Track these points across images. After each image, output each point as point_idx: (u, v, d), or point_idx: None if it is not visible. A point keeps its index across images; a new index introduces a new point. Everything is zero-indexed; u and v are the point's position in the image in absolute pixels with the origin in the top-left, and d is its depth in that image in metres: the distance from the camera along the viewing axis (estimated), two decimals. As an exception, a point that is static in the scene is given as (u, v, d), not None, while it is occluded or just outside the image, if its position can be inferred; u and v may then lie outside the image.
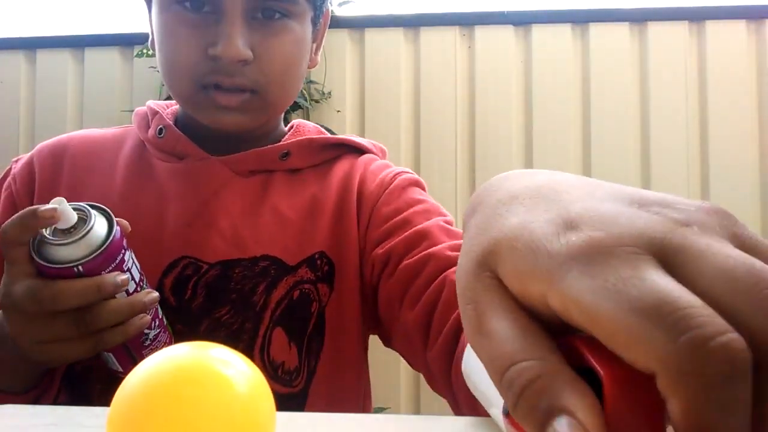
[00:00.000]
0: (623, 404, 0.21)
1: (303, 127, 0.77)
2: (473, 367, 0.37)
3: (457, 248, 0.60)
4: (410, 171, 0.75)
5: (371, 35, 1.98)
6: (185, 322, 0.63)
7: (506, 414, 0.30)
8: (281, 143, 0.72)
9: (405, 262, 0.62)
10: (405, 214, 0.66)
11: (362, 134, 1.97)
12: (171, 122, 0.72)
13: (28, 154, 0.74)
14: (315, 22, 0.71)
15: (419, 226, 0.64)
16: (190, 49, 0.63)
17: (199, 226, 0.66)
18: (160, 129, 0.70)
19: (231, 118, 0.66)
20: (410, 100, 1.98)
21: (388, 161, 0.77)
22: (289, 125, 0.79)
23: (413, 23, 1.98)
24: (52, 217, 0.48)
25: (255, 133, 0.72)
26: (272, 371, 0.65)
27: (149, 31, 0.72)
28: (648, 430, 0.21)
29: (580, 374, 0.26)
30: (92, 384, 0.63)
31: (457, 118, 1.96)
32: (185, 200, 0.67)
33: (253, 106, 0.66)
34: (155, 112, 0.72)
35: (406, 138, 1.96)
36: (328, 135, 0.77)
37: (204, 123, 0.67)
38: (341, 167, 0.73)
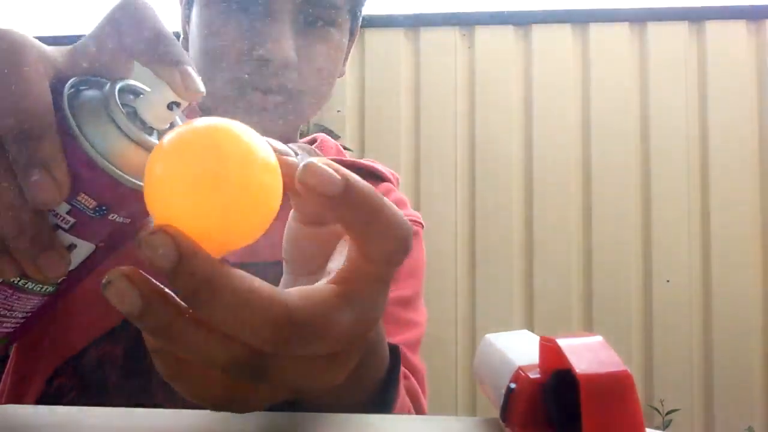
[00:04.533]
0: (600, 405, 0.21)
1: (326, 143, 0.77)
2: (482, 372, 0.38)
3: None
4: (417, 217, 0.75)
5: (371, 35, 1.98)
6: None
7: (503, 418, 0.30)
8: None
9: None
10: None
11: (362, 134, 1.97)
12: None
13: None
14: (351, 32, 0.72)
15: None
16: (233, 47, 0.62)
17: None
18: None
19: (263, 122, 0.64)
20: (410, 100, 1.98)
21: (403, 196, 0.78)
22: (309, 138, 0.79)
23: (413, 23, 1.98)
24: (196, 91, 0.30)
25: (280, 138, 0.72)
26: None
27: (181, 25, 0.70)
28: (626, 430, 0.21)
29: (559, 375, 0.26)
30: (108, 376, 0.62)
31: (457, 118, 1.96)
32: None
33: (286, 110, 0.65)
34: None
35: (406, 138, 1.96)
36: (347, 157, 0.77)
37: None
38: None
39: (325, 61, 0.66)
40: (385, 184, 0.76)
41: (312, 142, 0.78)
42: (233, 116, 0.66)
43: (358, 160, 0.75)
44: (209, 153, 0.25)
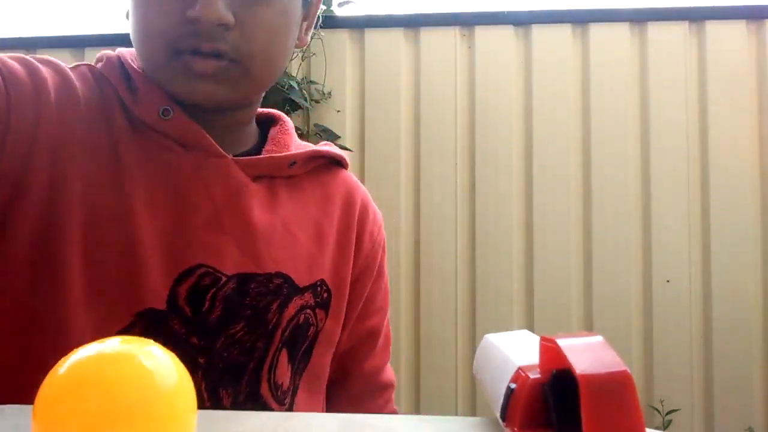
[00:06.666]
0: (600, 405, 0.21)
1: (287, 125, 0.74)
2: (482, 372, 0.38)
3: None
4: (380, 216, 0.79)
5: (371, 35, 1.98)
6: (202, 336, 0.60)
7: (503, 418, 0.30)
8: (291, 153, 0.68)
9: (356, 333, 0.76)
10: (375, 305, 0.78)
11: (362, 134, 1.97)
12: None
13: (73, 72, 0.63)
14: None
15: (376, 328, 0.78)
16: (166, 11, 0.57)
17: (216, 233, 0.61)
18: (166, 110, 0.61)
19: (206, 87, 0.59)
20: (410, 100, 1.98)
21: (357, 180, 0.78)
22: (265, 112, 0.75)
23: (413, 23, 1.98)
24: None
25: (236, 116, 0.67)
26: (274, 391, 0.64)
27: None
28: (626, 429, 0.21)
29: (559, 375, 0.26)
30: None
31: (457, 118, 1.96)
32: (202, 201, 0.61)
33: (232, 75, 0.60)
34: (146, 83, 0.62)
35: (406, 138, 1.96)
36: (300, 140, 0.75)
37: (176, 94, 0.60)
38: (335, 186, 0.73)
39: (270, 22, 0.61)
40: (346, 172, 0.76)
41: (268, 116, 0.74)
42: (172, 82, 0.61)
43: (320, 149, 0.72)
44: (102, 392, 0.27)
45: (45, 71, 0.60)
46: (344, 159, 0.75)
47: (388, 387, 0.79)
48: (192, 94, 0.60)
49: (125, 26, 0.68)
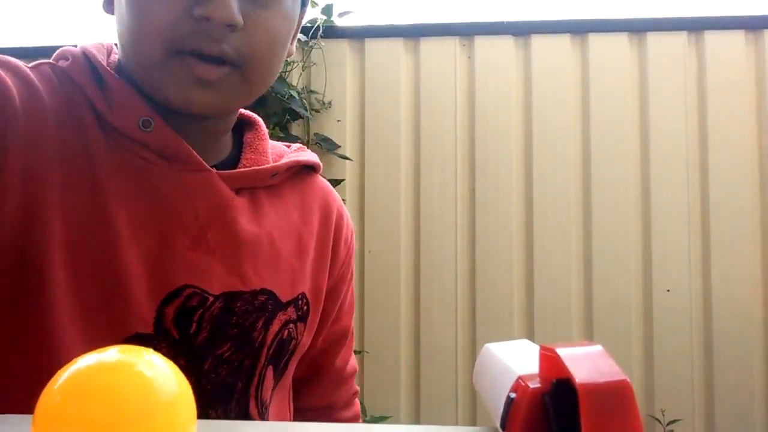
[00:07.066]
0: (600, 414, 0.21)
1: (262, 130, 0.71)
2: (482, 381, 0.38)
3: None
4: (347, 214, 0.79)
5: (371, 45, 1.99)
6: (190, 358, 0.58)
7: (503, 428, 0.30)
8: (274, 165, 0.66)
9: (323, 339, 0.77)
10: (345, 306, 0.79)
11: (362, 144, 1.97)
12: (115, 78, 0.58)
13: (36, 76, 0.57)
14: (303, 3, 0.65)
15: (347, 327, 0.80)
16: (168, 5, 0.53)
17: (202, 251, 0.59)
18: (146, 121, 0.57)
19: (204, 96, 0.56)
20: (410, 109, 1.98)
21: (334, 191, 0.78)
22: (237, 116, 0.70)
23: (413, 33, 1.99)
24: None
25: (218, 124, 0.64)
26: (260, 408, 0.64)
27: None
28: None
29: (559, 384, 0.26)
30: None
31: (457, 128, 1.96)
32: (187, 219, 0.58)
33: (231, 83, 0.57)
34: (122, 86, 0.58)
35: (406, 147, 1.97)
36: (282, 145, 0.74)
37: (168, 100, 0.56)
38: (312, 193, 0.72)
39: (275, 27, 0.58)
40: (320, 178, 0.76)
41: (240, 118, 0.71)
42: (166, 87, 0.57)
43: (299, 158, 0.70)
44: (104, 401, 0.27)
45: (7, 77, 0.54)
46: (318, 164, 0.74)
47: (353, 374, 0.83)
48: (187, 102, 0.56)
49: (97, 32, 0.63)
